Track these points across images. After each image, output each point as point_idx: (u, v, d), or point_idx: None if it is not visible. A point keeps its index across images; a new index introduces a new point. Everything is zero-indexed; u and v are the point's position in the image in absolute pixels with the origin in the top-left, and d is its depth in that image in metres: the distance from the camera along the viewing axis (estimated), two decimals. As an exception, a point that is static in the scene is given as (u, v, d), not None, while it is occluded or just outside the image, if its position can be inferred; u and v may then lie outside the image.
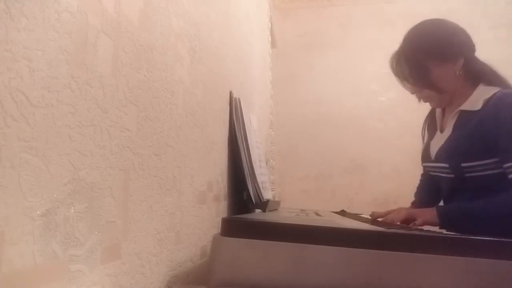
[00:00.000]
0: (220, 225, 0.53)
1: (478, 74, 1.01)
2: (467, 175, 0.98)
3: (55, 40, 0.34)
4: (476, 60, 1.03)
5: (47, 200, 0.33)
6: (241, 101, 1.11)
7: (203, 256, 0.79)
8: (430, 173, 1.13)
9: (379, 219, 1.07)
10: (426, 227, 0.92)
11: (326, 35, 2.92)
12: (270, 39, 2.34)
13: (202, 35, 0.82)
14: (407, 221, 0.99)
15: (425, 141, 1.19)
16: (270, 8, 2.35)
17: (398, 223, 0.99)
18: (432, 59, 1.00)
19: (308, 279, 0.49)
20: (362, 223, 0.87)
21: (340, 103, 2.80)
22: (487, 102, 0.96)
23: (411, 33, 1.06)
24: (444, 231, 0.87)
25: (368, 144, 2.72)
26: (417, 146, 2.41)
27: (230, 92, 1.09)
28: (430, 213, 0.98)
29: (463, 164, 0.97)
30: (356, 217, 1.14)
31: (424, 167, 1.18)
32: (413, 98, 1.13)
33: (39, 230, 0.32)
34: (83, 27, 0.39)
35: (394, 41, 1.10)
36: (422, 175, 1.29)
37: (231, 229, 0.52)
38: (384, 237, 0.53)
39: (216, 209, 0.92)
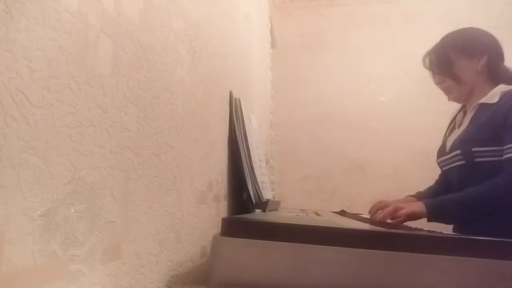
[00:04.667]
0: (220, 225, 0.53)
1: (500, 75, 1.10)
2: (477, 160, 1.02)
3: (55, 40, 0.34)
4: (500, 64, 1.13)
5: (47, 200, 0.33)
6: (241, 101, 1.11)
7: (203, 256, 0.79)
8: (444, 168, 1.17)
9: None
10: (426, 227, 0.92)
11: (326, 35, 2.91)
12: (270, 39, 2.33)
13: (202, 35, 0.82)
14: (396, 214, 1.00)
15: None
16: (270, 8, 2.35)
17: (390, 219, 1.00)
18: (458, 52, 1.12)
19: (308, 279, 0.49)
20: (362, 223, 0.87)
21: (340, 103, 2.79)
22: (504, 95, 1.03)
23: (447, 33, 1.18)
24: (443, 231, 0.87)
25: (368, 144, 2.71)
26: (417, 146, 2.40)
27: (230, 92, 1.09)
28: (417, 204, 1.02)
29: (473, 149, 1.02)
30: (356, 217, 1.14)
31: (438, 163, 1.21)
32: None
33: (39, 230, 0.32)
34: (83, 27, 0.39)
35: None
36: (437, 181, 1.30)
37: (231, 229, 0.52)
38: (384, 237, 0.53)
39: (216, 209, 0.92)
